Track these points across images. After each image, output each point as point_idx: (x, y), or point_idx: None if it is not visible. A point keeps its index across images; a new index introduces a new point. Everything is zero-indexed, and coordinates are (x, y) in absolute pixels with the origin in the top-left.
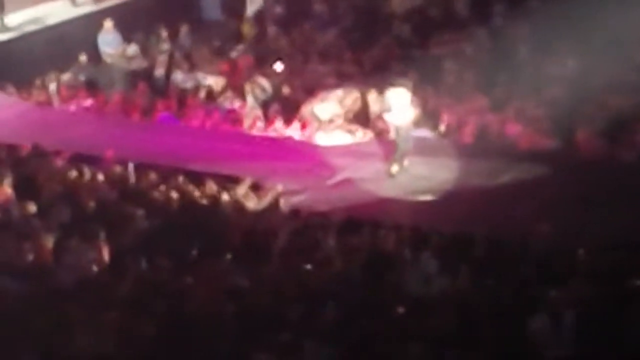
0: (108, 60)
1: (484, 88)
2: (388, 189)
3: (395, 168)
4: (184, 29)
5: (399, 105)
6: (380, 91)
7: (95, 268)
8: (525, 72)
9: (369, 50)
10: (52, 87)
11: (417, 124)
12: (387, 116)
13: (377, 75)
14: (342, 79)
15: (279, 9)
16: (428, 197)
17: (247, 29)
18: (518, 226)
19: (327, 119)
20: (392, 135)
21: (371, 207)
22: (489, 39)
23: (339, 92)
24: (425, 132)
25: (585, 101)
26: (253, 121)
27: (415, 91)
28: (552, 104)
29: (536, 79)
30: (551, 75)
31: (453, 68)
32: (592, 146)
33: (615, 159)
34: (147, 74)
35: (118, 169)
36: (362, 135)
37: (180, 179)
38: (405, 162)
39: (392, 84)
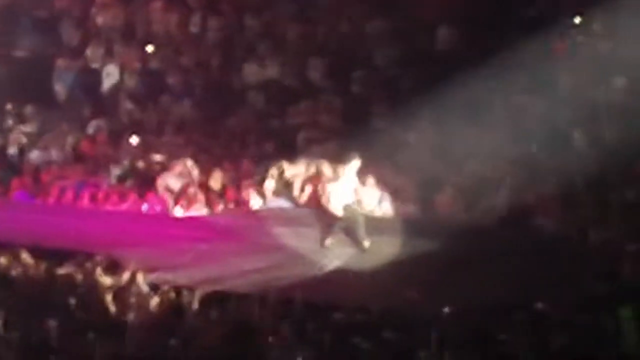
0: None
1: (342, 157)
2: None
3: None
4: (37, 106)
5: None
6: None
7: None
8: (382, 139)
9: (224, 122)
10: None
11: (276, 193)
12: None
13: (234, 146)
14: (199, 151)
15: (133, 83)
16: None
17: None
18: (383, 293)
19: (181, 190)
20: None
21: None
22: (346, 107)
23: (188, 163)
24: (282, 202)
25: (443, 167)
26: (112, 196)
27: (274, 161)
28: (411, 170)
29: (394, 147)
30: (409, 142)
31: (310, 137)
32: (452, 211)
33: (475, 223)
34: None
35: None
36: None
37: (34, 256)
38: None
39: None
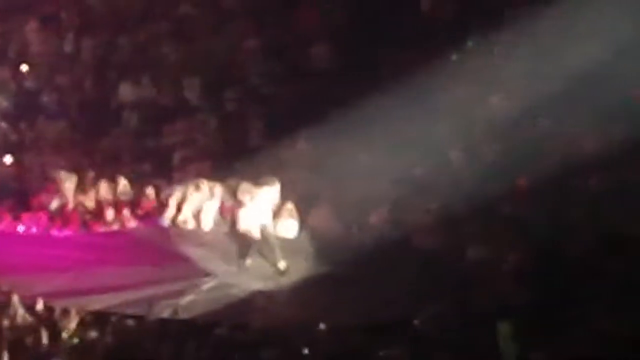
0: None
1: (220, 176)
2: None
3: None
4: None
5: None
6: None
7: None
8: (259, 157)
9: (100, 141)
10: None
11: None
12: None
13: (111, 165)
14: (75, 171)
15: (5, 103)
16: None
17: None
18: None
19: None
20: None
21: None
22: (222, 126)
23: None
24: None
25: (322, 185)
26: None
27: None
28: (289, 187)
29: (271, 164)
30: (286, 159)
31: (187, 156)
32: (330, 228)
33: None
34: None
35: None
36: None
37: None
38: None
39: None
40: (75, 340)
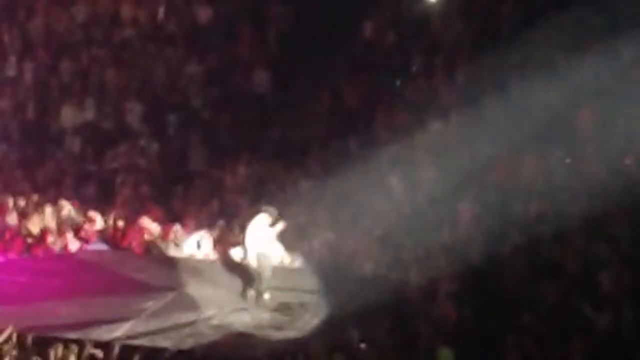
0: None
1: (159, 200)
2: None
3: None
4: None
5: (259, 231)
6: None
7: None
8: (200, 181)
9: (41, 166)
10: None
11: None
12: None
13: (53, 189)
14: (16, 195)
15: None
16: None
17: None
18: None
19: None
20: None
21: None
22: (163, 151)
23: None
24: (100, 245)
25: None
26: None
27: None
28: (229, 213)
29: (212, 188)
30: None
31: (128, 181)
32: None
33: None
34: None
35: None
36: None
37: None
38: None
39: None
40: None
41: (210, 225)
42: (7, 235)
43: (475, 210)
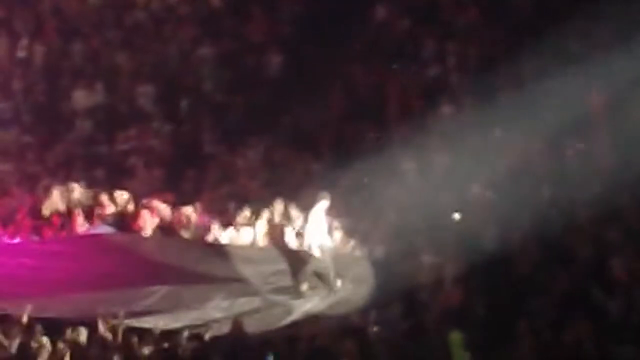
0: None
1: (173, 183)
2: None
3: (305, 286)
4: None
5: (318, 221)
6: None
7: None
8: (213, 165)
9: (52, 148)
10: None
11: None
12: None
13: (63, 172)
14: (27, 178)
15: None
16: None
17: None
18: None
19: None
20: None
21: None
22: (176, 134)
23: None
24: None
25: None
26: None
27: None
28: (240, 195)
29: (224, 171)
30: (238, 166)
31: (140, 164)
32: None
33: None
34: None
35: None
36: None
37: None
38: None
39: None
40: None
41: (221, 210)
42: (18, 217)
43: (487, 195)
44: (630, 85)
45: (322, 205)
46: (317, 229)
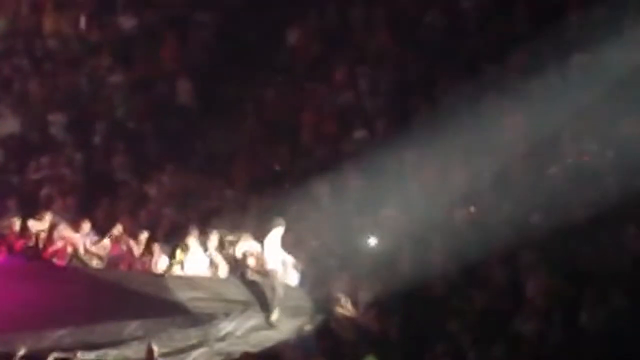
0: None
1: (86, 212)
2: None
3: (275, 316)
4: None
5: (274, 246)
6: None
7: None
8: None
9: None
10: None
11: None
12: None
13: None
14: None
15: None
16: None
17: None
18: None
19: None
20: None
21: None
22: (88, 162)
23: None
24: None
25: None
26: None
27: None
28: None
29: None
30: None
31: (53, 193)
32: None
33: None
34: None
35: None
36: None
37: None
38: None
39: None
40: None
41: (135, 236)
42: None
43: (402, 218)
44: (545, 104)
45: (278, 231)
46: (274, 256)
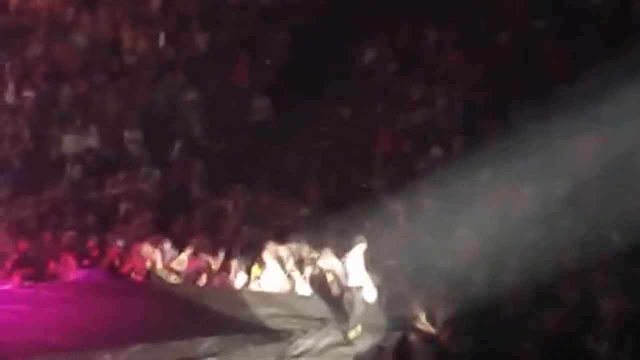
0: None
1: (164, 226)
2: None
3: (353, 334)
4: None
5: (355, 264)
6: None
7: None
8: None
9: (42, 194)
10: None
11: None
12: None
13: (54, 218)
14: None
15: None
16: None
17: None
18: None
19: None
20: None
21: None
22: (165, 178)
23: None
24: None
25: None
26: None
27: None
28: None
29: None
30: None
31: (130, 208)
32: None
33: None
34: None
35: None
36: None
37: None
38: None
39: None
40: None
41: (212, 252)
42: (8, 265)
43: (475, 239)
44: (619, 125)
45: (360, 248)
46: (354, 273)
